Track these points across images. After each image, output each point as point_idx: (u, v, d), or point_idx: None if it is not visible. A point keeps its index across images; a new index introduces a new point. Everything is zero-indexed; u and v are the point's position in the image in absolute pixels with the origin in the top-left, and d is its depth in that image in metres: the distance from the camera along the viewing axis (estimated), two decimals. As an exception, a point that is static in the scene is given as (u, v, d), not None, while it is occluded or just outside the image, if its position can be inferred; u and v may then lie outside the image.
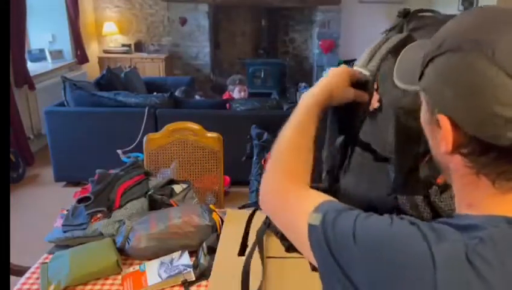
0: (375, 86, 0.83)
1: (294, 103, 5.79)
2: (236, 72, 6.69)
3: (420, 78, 0.57)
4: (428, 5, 5.28)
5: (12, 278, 1.68)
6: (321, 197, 0.64)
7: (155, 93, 4.07)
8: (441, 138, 0.54)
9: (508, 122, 0.48)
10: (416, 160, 0.74)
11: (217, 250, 1.37)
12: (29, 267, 1.45)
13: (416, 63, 0.60)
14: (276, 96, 5.73)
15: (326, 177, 0.89)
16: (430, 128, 0.59)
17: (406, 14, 0.88)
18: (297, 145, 0.76)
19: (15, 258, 1.84)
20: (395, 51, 0.80)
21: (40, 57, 5.16)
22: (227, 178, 3.28)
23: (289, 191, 0.70)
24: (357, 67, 0.86)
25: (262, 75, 6.38)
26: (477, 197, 0.55)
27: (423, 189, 0.75)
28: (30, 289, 1.34)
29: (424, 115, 0.60)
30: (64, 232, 1.53)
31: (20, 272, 1.58)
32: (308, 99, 0.80)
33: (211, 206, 1.62)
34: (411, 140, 0.71)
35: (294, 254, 0.83)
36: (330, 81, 0.82)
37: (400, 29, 0.88)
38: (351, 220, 0.56)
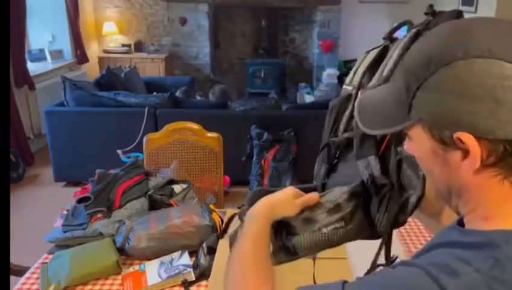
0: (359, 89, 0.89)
1: (294, 103, 5.82)
2: (236, 72, 6.71)
3: (409, 111, 0.54)
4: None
5: (12, 278, 1.68)
6: None
7: (155, 93, 4.07)
8: (461, 158, 0.52)
9: None
10: None
11: (217, 250, 1.37)
12: (29, 267, 1.45)
13: (381, 106, 0.59)
14: (276, 96, 5.73)
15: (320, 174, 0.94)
16: (437, 158, 0.55)
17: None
18: (255, 258, 0.76)
19: (15, 258, 1.84)
20: (372, 66, 0.86)
21: (40, 57, 5.16)
22: (227, 178, 3.28)
23: None
24: (345, 86, 0.93)
25: (262, 75, 6.38)
26: (498, 209, 0.53)
27: (374, 150, 0.80)
28: (30, 289, 1.34)
29: (424, 148, 0.56)
30: (64, 232, 1.53)
31: (20, 272, 1.58)
32: (253, 224, 0.80)
33: (211, 206, 1.62)
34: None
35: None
36: (268, 199, 0.83)
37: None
38: None
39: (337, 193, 0.82)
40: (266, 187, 3.49)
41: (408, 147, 0.61)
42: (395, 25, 0.93)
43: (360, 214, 0.82)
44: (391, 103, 0.57)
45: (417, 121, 0.54)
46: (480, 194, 0.54)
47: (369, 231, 0.83)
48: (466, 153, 0.51)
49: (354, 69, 0.93)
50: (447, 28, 0.54)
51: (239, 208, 0.96)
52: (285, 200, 0.82)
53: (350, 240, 0.85)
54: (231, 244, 0.90)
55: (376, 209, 0.80)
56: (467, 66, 0.49)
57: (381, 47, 0.90)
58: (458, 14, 0.76)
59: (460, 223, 0.59)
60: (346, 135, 0.90)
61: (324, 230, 0.82)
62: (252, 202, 0.87)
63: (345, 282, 0.56)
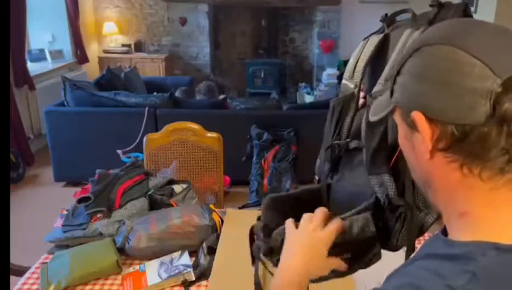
0: (361, 86, 0.89)
1: (294, 103, 5.82)
2: (236, 72, 6.71)
3: (391, 95, 0.58)
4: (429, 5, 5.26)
5: (12, 278, 1.67)
6: None
7: (155, 93, 4.07)
8: (421, 141, 0.54)
9: (476, 94, 0.48)
10: (380, 141, 0.79)
11: (217, 250, 1.37)
12: (29, 267, 1.45)
13: (383, 97, 0.62)
14: (276, 96, 5.73)
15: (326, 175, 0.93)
16: (407, 142, 0.58)
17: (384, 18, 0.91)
18: None
19: (15, 258, 1.84)
20: (374, 58, 0.87)
21: (40, 57, 5.16)
22: (227, 178, 3.28)
23: None
24: (345, 80, 0.92)
25: (262, 75, 6.39)
26: (468, 202, 0.54)
27: (387, 167, 0.79)
28: (30, 289, 1.34)
29: (401, 133, 0.59)
30: (64, 232, 1.53)
31: (20, 272, 1.58)
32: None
33: (211, 206, 1.62)
34: (375, 123, 0.76)
35: None
36: (305, 262, 0.76)
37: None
38: None
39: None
40: (266, 187, 3.50)
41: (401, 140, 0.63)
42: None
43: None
44: (387, 91, 0.62)
45: (394, 104, 0.58)
46: (443, 183, 0.55)
47: (383, 243, 0.82)
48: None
49: (353, 60, 0.92)
50: (440, 24, 0.58)
51: (240, 208, 0.96)
52: (319, 258, 0.78)
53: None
54: (254, 258, 0.88)
55: (393, 224, 0.79)
56: (431, 51, 0.52)
57: (381, 36, 0.88)
58: (465, 7, 0.77)
59: (445, 230, 0.59)
60: (353, 144, 0.89)
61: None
62: (267, 216, 0.86)
63: None
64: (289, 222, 0.82)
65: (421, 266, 0.54)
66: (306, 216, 0.81)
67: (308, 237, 0.78)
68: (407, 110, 0.54)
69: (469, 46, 0.50)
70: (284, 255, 0.79)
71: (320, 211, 0.81)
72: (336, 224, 0.78)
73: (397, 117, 0.59)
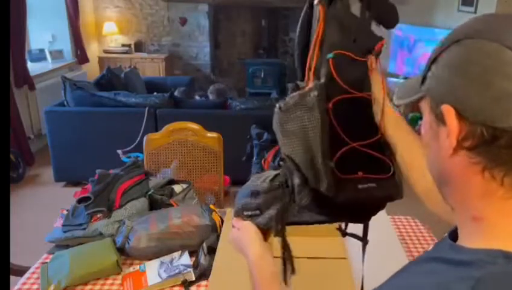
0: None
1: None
2: (236, 72, 6.71)
3: (422, 82, 0.56)
4: (429, 5, 5.28)
5: (12, 278, 1.68)
6: None
7: (155, 93, 4.08)
8: (446, 135, 0.52)
9: None
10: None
11: (217, 250, 1.37)
12: (29, 267, 1.45)
13: (412, 82, 0.61)
14: (276, 96, 5.73)
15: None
16: (432, 132, 0.56)
17: None
18: None
19: (15, 258, 1.84)
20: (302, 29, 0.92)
21: (40, 57, 5.16)
22: (227, 178, 3.28)
23: None
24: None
25: (262, 75, 6.38)
26: (484, 208, 0.52)
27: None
28: (30, 289, 1.34)
29: (425, 122, 0.58)
30: (64, 232, 1.53)
31: (20, 272, 1.58)
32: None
33: (211, 206, 1.62)
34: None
35: (301, 253, 0.88)
36: (256, 253, 0.86)
37: None
38: None
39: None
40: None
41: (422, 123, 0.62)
42: None
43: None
44: (417, 76, 0.60)
45: (425, 92, 0.56)
46: (461, 183, 0.54)
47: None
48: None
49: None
50: (481, 16, 0.55)
51: None
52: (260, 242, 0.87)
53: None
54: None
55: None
56: (473, 45, 0.50)
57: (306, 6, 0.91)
58: None
59: (453, 233, 0.58)
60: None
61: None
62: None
63: None
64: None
65: (424, 270, 0.54)
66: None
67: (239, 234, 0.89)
68: (438, 101, 0.53)
69: (503, 37, 0.48)
70: (242, 250, 0.89)
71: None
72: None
73: (424, 105, 0.57)
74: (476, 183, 0.52)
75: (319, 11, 0.87)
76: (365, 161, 0.86)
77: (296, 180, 0.81)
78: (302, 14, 0.91)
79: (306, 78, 0.89)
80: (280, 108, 0.84)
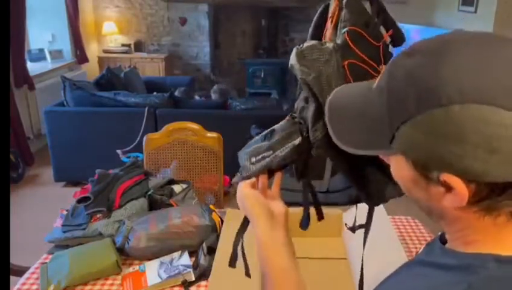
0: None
1: (294, 102, 5.81)
2: (236, 72, 6.71)
3: (391, 141, 0.52)
4: (429, 5, 5.28)
5: (12, 278, 1.68)
6: None
7: (155, 93, 4.08)
8: (443, 192, 0.50)
9: None
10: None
11: (217, 250, 1.37)
12: (29, 267, 1.45)
13: (359, 119, 0.56)
14: (276, 96, 5.73)
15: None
16: (419, 186, 0.53)
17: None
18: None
19: (15, 258, 1.84)
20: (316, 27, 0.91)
21: (39, 56, 5.16)
22: (227, 178, 3.28)
23: None
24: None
25: (262, 75, 6.39)
26: (478, 235, 0.52)
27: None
28: (30, 289, 1.34)
29: (406, 175, 0.54)
30: (64, 232, 1.53)
31: (20, 272, 1.58)
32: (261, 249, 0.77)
33: (211, 206, 1.62)
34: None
35: (301, 254, 0.86)
36: (265, 226, 0.78)
37: None
38: None
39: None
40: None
41: (385, 158, 0.59)
42: None
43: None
44: (370, 120, 0.54)
45: (398, 152, 0.52)
46: (456, 221, 0.53)
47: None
48: (449, 189, 0.49)
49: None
50: (438, 49, 0.49)
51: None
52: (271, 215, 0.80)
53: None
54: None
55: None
56: (464, 112, 0.45)
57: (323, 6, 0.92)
58: None
59: (444, 236, 0.59)
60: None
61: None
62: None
63: None
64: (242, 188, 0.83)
65: (416, 273, 0.54)
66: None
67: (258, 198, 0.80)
68: (430, 167, 0.50)
69: (506, 99, 0.44)
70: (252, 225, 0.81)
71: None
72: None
73: (397, 160, 0.54)
74: (474, 223, 0.51)
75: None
76: None
77: (311, 108, 0.76)
78: (317, 14, 0.92)
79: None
80: (297, 48, 0.82)
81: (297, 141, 0.79)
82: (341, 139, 0.60)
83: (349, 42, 0.81)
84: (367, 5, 0.90)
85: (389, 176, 0.76)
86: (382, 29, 0.91)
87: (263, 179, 0.82)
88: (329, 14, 0.88)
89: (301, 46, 0.81)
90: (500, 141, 0.44)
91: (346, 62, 0.79)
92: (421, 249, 0.63)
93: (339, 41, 0.83)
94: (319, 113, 0.75)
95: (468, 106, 0.45)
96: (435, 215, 0.56)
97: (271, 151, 0.80)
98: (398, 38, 0.93)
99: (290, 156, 0.79)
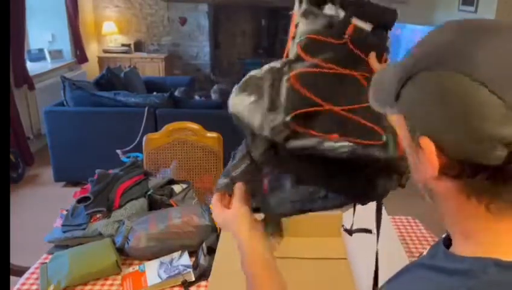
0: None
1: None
2: (236, 72, 6.71)
3: (396, 99, 0.54)
4: (429, 5, 5.28)
5: (12, 278, 1.67)
6: None
7: (155, 93, 4.07)
8: (424, 161, 0.51)
9: (495, 140, 0.45)
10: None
11: (217, 250, 1.37)
12: (29, 267, 1.45)
13: (387, 83, 0.57)
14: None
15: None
16: (412, 150, 0.55)
17: None
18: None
19: (15, 258, 1.84)
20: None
21: (39, 56, 5.16)
22: (227, 178, 3.28)
23: None
24: None
25: (262, 75, 6.39)
26: (472, 227, 0.52)
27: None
28: (30, 289, 1.34)
29: (404, 137, 0.56)
30: (64, 232, 1.53)
31: (20, 272, 1.58)
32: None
33: (211, 206, 1.61)
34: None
35: (291, 255, 0.86)
36: (247, 238, 0.81)
37: None
38: None
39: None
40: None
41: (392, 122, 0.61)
42: None
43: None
44: (392, 77, 0.56)
45: (398, 111, 0.55)
46: (446, 203, 0.54)
47: None
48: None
49: None
50: (462, 28, 0.52)
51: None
52: (251, 226, 0.83)
53: None
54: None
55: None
56: (458, 80, 0.47)
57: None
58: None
59: (448, 238, 0.58)
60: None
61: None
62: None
63: None
64: (215, 203, 0.87)
65: (420, 277, 0.54)
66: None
67: (229, 218, 0.84)
68: (416, 128, 0.52)
69: (490, 78, 0.45)
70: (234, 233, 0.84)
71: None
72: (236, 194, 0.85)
73: (399, 120, 0.56)
74: (462, 206, 0.52)
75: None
76: (347, 125, 0.81)
77: (247, 132, 0.81)
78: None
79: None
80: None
81: (247, 162, 0.84)
82: (377, 101, 0.62)
83: (301, 52, 0.82)
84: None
85: (374, 173, 0.77)
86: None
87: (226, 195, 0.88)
88: (290, 34, 0.88)
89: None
90: (475, 118, 0.45)
91: (293, 73, 0.80)
92: (425, 252, 0.63)
93: (291, 55, 0.84)
94: (253, 135, 0.81)
95: (468, 81, 0.46)
96: (427, 193, 0.56)
97: (229, 173, 0.87)
98: (387, 21, 0.90)
99: (243, 177, 0.85)
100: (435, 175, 0.50)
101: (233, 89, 0.84)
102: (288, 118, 0.75)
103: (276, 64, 0.83)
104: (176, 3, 6.09)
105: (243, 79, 0.84)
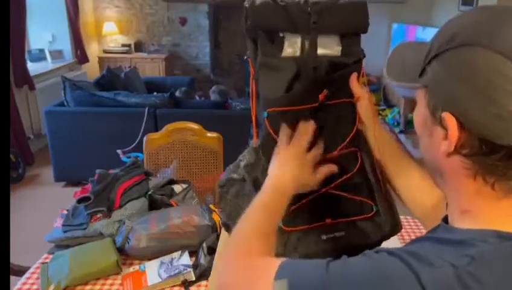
0: None
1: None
2: (236, 72, 6.71)
3: (421, 74, 0.56)
4: (429, 5, 5.28)
5: (12, 278, 1.68)
6: (277, 262, 0.58)
7: (155, 93, 4.07)
8: (442, 137, 0.53)
9: None
10: None
11: (217, 250, 1.37)
12: (29, 267, 1.45)
13: (408, 61, 0.59)
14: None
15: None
16: (426, 128, 0.57)
17: None
18: (265, 230, 0.73)
19: (15, 258, 1.84)
20: None
21: (40, 57, 5.16)
22: (227, 178, 3.28)
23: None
24: None
25: (262, 75, 6.38)
26: (473, 203, 0.54)
27: None
28: (30, 289, 1.34)
29: (420, 114, 0.58)
30: (64, 232, 1.53)
31: (20, 272, 1.59)
32: (277, 189, 0.79)
33: (211, 206, 1.62)
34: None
35: None
36: (293, 173, 0.81)
37: None
38: (319, 272, 0.54)
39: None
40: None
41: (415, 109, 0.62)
42: None
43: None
44: (415, 55, 0.58)
45: (422, 86, 0.56)
46: (453, 181, 0.55)
47: None
48: (447, 134, 0.52)
49: None
50: (490, 10, 0.53)
51: None
52: (307, 173, 0.83)
53: None
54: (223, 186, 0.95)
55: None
56: (484, 55, 0.48)
57: None
58: None
59: (446, 218, 0.60)
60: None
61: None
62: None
63: (330, 261, 0.55)
64: (284, 130, 0.86)
65: (422, 246, 0.55)
66: (297, 134, 0.86)
67: (298, 154, 0.83)
68: (438, 104, 0.53)
69: (509, 50, 0.47)
70: (274, 164, 0.84)
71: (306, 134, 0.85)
72: (317, 152, 0.85)
73: (420, 96, 0.57)
74: (467, 183, 0.53)
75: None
76: (336, 203, 0.84)
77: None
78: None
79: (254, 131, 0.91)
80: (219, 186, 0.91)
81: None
82: (389, 73, 0.64)
83: (269, 130, 0.87)
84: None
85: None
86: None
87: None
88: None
89: (220, 181, 0.94)
90: (500, 93, 0.47)
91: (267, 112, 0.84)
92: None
93: (260, 140, 0.91)
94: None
95: (491, 53, 0.48)
96: (436, 170, 0.58)
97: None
98: (357, 26, 0.90)
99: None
100: (450, 150, 0.52)
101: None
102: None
103: (243, 161, 0.93)
104: (176, 4, 6.09)
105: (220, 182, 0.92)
